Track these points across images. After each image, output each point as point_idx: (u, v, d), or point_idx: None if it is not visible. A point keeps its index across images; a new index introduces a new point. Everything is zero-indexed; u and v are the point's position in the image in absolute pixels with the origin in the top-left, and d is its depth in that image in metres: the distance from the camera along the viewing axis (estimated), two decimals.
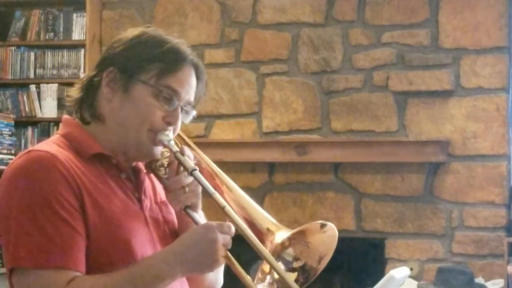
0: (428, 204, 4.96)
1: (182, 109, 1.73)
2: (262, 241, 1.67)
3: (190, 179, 1.71)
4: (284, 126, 5.22)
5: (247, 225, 1.69)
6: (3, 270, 5.46)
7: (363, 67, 5.10)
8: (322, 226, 1.72)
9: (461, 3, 4.96)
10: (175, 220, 1.83)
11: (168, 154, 1.77)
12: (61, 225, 1.58)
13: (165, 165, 1.77)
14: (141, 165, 1.80)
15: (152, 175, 1.82)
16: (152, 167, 1.79)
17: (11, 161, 1.69)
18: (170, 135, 1.73)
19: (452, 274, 4.52)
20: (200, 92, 1.78)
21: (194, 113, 1.77)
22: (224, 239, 1.60)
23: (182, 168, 1.72)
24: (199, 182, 1.69)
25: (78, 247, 1.59)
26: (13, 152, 5.38)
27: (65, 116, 1.80)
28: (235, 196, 1.79)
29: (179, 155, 1.71)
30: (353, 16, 5.14)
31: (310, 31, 5.21)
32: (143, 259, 1.64)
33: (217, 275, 1.83)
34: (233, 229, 1.63)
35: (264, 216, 1.76)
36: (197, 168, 1.70)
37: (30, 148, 1.70)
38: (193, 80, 1.75)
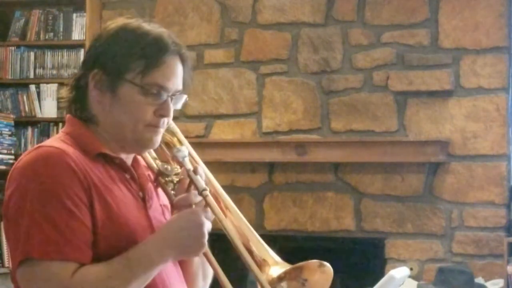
0: (428, 204, 4.96)
1: (171, 99, 1.72)
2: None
3: (199, 198, 1.72)
4: (284, 126, 5.22)
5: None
6: (3, 270, 5.46)
7: (363, 67, 5.10)
8: (321, 265, 1.71)
9: (461, 3, 4.96)
10: None
11: (179, 170, 1.78)
12: (70, 218, 1.60)
13: (175, 182, 1.79)
14: (143, 168, 1.82)
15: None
16: (161, 181, 1.80)
17: (20, 158, 1.70)
18: (184, 151, 1.75)
19: (452, 274, 4.52)
20: (187, 76, 1.77)
21: (185, 97, 1.77)
22: (208, 224, 1.66)
23: (192, 187, 1.73)
24: (208, 204, 1.70)
25: (85, 240, 1.61)
26: (13, 152, 5.38)
27: (69, 115, 1.80)
28: (238, 223, 1.77)
29: (192, 173, 1.72)
30: (353, 16, 5.14)
31: (310, 31, 5.21)
32: (137, 245, 1.67)
33: (206, 269, 1.85)
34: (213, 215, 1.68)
35: (263, 247, 1.74)
36: (208, 189, 1.71)
37: (39, 144, 1.71)
38: (179, 68, 1.74)
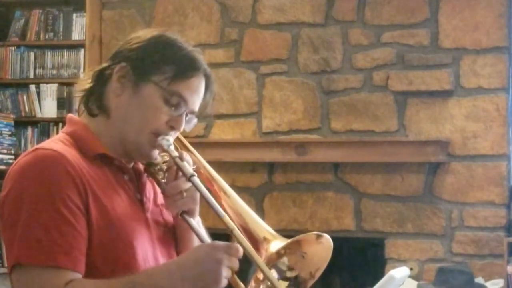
0: (428, 204, 4.96)
1: (186, 115, 1.73)
2: (257, 249, 1.67)
3: (188, 184, 1.72)
4: (284, 126, 5.22)
5: (243, 233, 1.69)
6: (3, 270, 5.46)
7: (363, 67, 5.10)
8: (318, 237, 1.71)
9: (461, 3, 4.95)
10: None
11: (168, 158, 1.77)
12: (64, 225, 1.58)
13: (164, 170, 1.78)
14: (142, 167, 1.81)
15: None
16: (151, 171, 1.80)
17: (17, 159, 1.69)
18: (170, 139, 1.73)
19: (452, 274, 4.52)
20: (207, 102, 1.80)
21: (195, 121, 1.78)
22: (229, 261, 1.57)
23: (180, 174, 1.73)
24: (197, 189, 1.69)
25: (79, 248, 1.59)
26: (13, 152, 5.38)
27: (70, 115, 1.80)
28: (232, 203, 1.78)
29: (178, 160, 1.72)
30: (353, 16, 5.14)
31: (310, 31, 5.21)
32: (146, 269, 1.64)
33: None
34: (241, 251, 1.59)
35: (261, 225, 1.75)
36: (196, 174, 1.71)
37: (37, 146, 1.69)
38: (202, 90, 1.77)
